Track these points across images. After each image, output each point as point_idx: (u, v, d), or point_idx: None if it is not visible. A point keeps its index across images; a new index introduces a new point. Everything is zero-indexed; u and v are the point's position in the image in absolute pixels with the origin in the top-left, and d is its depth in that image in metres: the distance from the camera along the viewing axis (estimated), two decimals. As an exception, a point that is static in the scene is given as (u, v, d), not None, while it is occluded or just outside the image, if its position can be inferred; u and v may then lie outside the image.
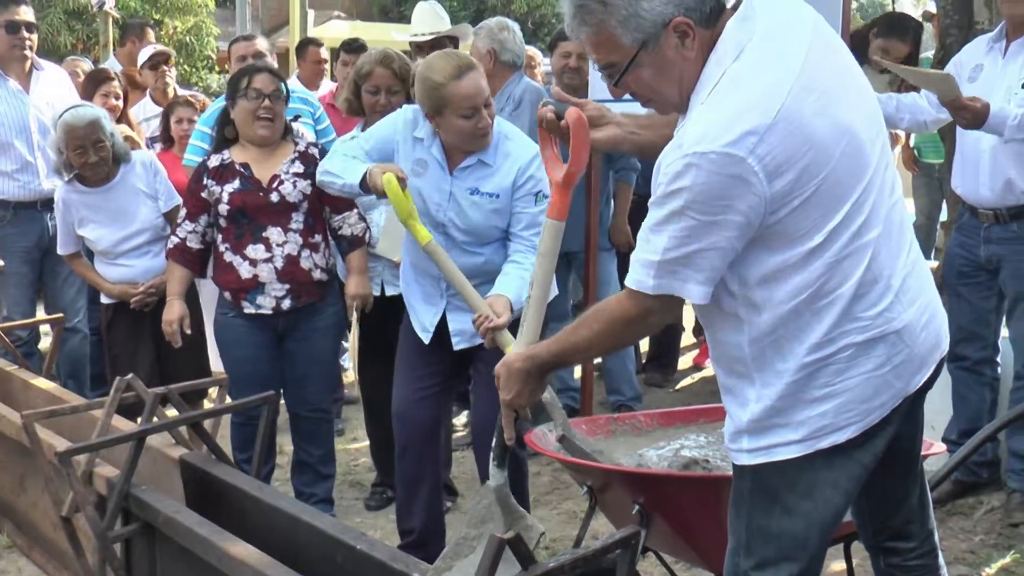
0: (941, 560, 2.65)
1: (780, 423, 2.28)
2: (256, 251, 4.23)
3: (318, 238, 4.32)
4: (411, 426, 3.94)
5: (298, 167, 4.29)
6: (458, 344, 3.89)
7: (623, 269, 5.68)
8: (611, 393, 5.81)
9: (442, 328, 3.90)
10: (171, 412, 3.75)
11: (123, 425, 3.68)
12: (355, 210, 4.35)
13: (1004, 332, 4.56)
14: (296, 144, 4.39)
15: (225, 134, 4.36)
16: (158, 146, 6.02)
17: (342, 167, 3.75)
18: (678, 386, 6.58)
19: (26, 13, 5.69)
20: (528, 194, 3.76)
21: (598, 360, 5.80)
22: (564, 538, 4.23)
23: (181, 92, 6.70)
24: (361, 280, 4.34)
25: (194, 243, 4.32)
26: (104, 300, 4.94)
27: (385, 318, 4.45)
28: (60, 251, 5.04)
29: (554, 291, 3.85)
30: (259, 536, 2.93)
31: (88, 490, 3.33)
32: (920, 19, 6.88)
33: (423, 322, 3.91)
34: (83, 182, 4.84)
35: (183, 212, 4.39)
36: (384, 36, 12.50)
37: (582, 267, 5.49)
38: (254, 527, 3.08)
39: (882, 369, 2.25)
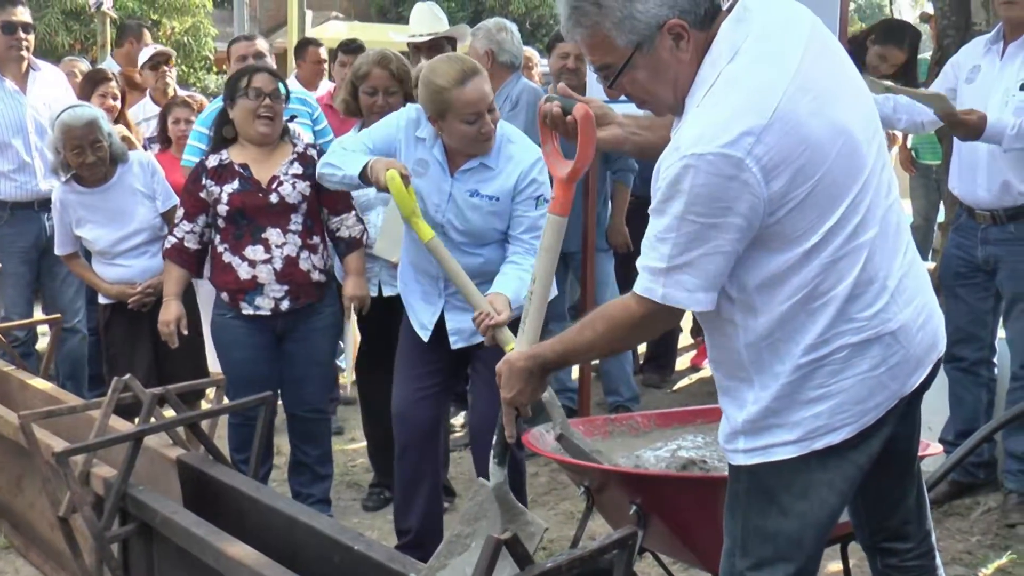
0: (938, 561, 2.65)
1: (776, 424, 2.29)
2: (255, 252, 4.22)
3: (316, 239, 4.32)
4: (411, 426, 3.94)
5: (297, 168, 4.29)
6: (456, 343, 3.89)
7: (620, 270, 5.73)
8: (609, 394, 5.81)
9: (441, 327, 3.90)
10: (169, 412, 3.75)
11: (120, 425, 3.68)
12: (353, 212, 4.35)
13: (1001, 333, 4.57)
14: (294, 145, 4.40)
15: (224, 134, 4.35)
16: (156, 147, 6.03)
17: (342, 159, 3.75)
18: (676, 387, 6.58)
19: (23, 14, 5.70)
20: (529, 198, 3.75)
21: (596, 361, 5.81)
22: (561, 538, 4.24)
23: (181, 92, 6.70)
24: (359, 282, 4.35)
25: (192, 243, 4.32)
26: (102, 300, 4.94)
27: (383, 319, 4.45)
28: (58, 252, 5.04)
29: (553, 291, 3.86)
30: (256, 536, 2.93)
31: (85, 490, 3.33)
32: (918, 20, 6.90)
33: (422, 320, 3.91)
34: (80, 182, 4.84)
35: (180, 212, 4.38)
36: (382, 37, 12.52)
37: (579, 268, 5.50)
38: (251, 527, 3.08)
39: (877, 370, 2.26)
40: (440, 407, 4.06)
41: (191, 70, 18.15)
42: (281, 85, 4.35)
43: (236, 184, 4.23)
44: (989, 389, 4.54)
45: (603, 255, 5.68)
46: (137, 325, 4.80)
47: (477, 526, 2.85)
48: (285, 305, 4.25)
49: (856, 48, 5.59)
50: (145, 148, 6.00)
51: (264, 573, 2.65)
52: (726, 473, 2.45)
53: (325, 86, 7.22)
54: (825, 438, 2.27)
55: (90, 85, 6.07)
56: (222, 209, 4.23)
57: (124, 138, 5.32)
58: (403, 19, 16.56)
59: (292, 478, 4.54)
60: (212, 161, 4.31)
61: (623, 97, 2.36)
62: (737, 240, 2.14)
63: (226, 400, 3.96)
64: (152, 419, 3.46)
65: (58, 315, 5.28)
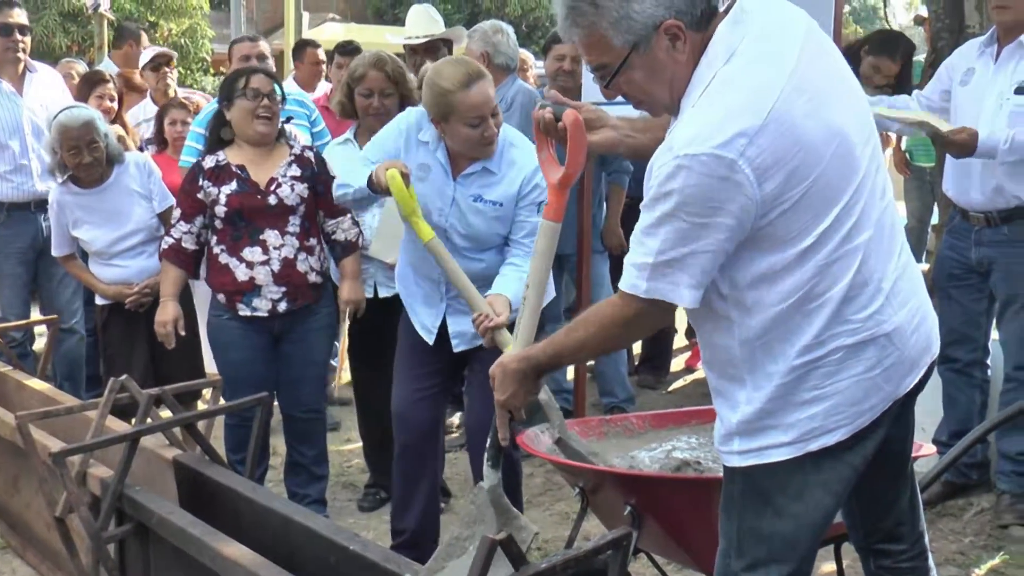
0: (931, 562, 2.66)
1: (770, 425, 2.29)
2: (253, 254, 4.22)
3: (313, 241, 4.32)
4: (411, 426, 3.95)
5: (295, 170, 4.29)
6: (458, 346, 3.89)
7: (616, 271, 5.67)
8: (604, 395, 5.82)
9: (442, 329, 3.90)
10: (165, 413, 3.76)
11: (117, 426, 3.68)
12: (349, 215, 4.35)
13: (994, 334, 4.58)
14: (291, 147, 4.40)
15: (222, 136, 4.35)
16: (152, 148, 6.03)
17: (351, 177, 3.75)
18: (670, 388, 6.60)
19: (19, 15, 5.73)
20: (532, 203, 3.75)
21: (591, 362, 5.82)
22: (556, 539, 4.24)
23: (182, 93, 6.71)
24: (355, 286, 4.36)
25: (189, 244, 4.31)
26: (99, 301, 4.95)
27: (378, 320, 4.45)
28: (55, 253, 5.05)
29: (551, 293, 3.87)
30: (252, 537, 2.94)
31: (82, 491, 3.34)
32: (912, 22, 6.92)
33: (425, 323, 3.91)
34: (77, 183, 4.85)
35: (177, 213, 4.37)
36: (378, 39, 12.50)
37: (575, 269, 5.51)
38: (247, 528, 3.09)
39: (872, 372, 2.26)
40: (439, 408, 4.06)
41: (188, 72, 18.13)
42: (277, 86, 4.36)
43: (234, 185, 4.23)
44: (982, 390, 4.56)
45: (598, 257, 5.69)
46: (134, 326, 4.81)
47: (476, 529, 2.86)
48: (282, 307, 4.26)
49: (850, 59, 5.60)
50: (142, 149, 6.01)
51: (260, 573, 2.65)
52: (720, 474, 2.46)
53: (323, 87, 7.23)
54: (820, 440, 2.27)
55: (87, 86, 6.09)
56: (220, 210, 4.23)
57: (119, 138, 5.34)
58: (399, 21, 16.54)
59: (288, 478, 4.55)
60: (209, 162, 4.31)
61: (619, 98, 2.37)
62: (727, 240, 2.15)
63: (222, 401, 3.96)
64: (149, 420, 3.47)
65: (55, 316, 5.29)
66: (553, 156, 2.74)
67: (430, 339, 3.90)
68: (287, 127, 4.59)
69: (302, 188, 4.27)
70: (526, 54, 7.12)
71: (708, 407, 2.86)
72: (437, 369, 3.96)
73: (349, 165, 3.86)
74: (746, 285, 2.23)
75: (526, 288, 2.78)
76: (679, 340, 7.09)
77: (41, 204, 5.46)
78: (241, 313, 4.25)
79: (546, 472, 5.00)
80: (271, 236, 4.23)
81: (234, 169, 4.26)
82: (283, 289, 4.24)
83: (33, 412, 3.68)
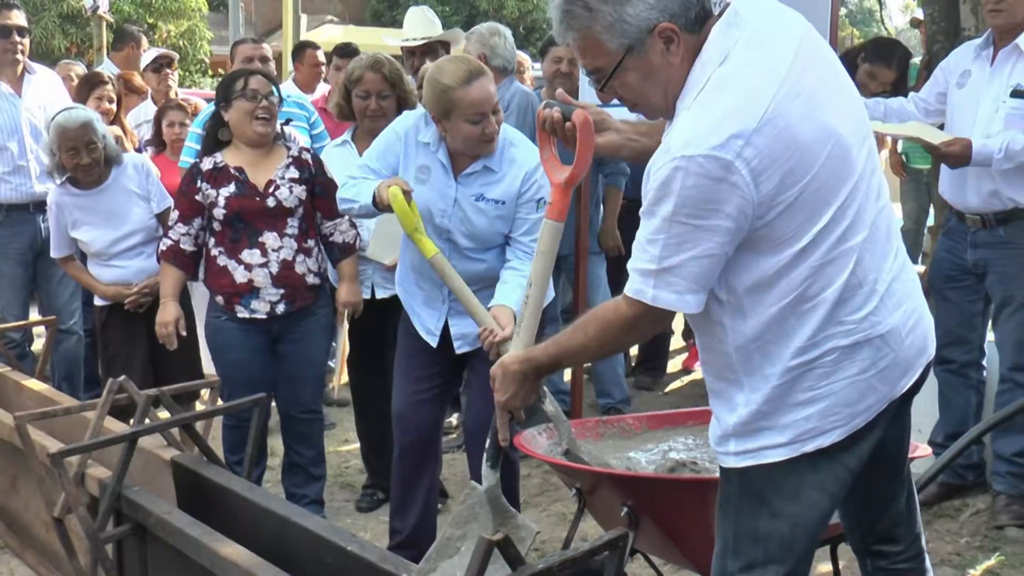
0: (928, 563, 2.67)
1: (766, 426, 2.30)
2: (251, 256, 4.23)
3: (311, 242, 4.33)
4: (411, 427, 3.95)
5: (293, 172, 4.30)
6: (460, 348, 3.89)
7: (612, 273, 5.75)
8: (600, 396, 5.83)
9: (443, 331, 3.90)
10: (163, 414, 3.76)
11: (115, 427, 3.68)
12: (346, 217, 4.35)
13: (990, 336, 4.59)
14: (289, 149, 4.40)
15: (220, 137, 4.35)
16: (150, 149, 6.03)
17: (355, 191, 3.76)
18: (667, 389, 6.60)
19: (18, 17, 5.73)
20: (531, 200, 3.76)
21: (588, 363, 5.82)
22: (553, 540, 4.25)
23: (183, 95, 6.72)
24: (352, 288, 4.37)
25: (188, 245, 4.31)
26: (98, 302, 4.95)
27: (376, 321, 4.46)
28: (54, 254, 5.05)
29: (549, 294, 3.87)
30: (250, 537, 2.94)
31: (80, 491, 3.34)
32: (908, 25, 6.92)
33: (427, 326, 3.91)
34: (76, 184, 4.86)
35: (175, 214, 4.37)
36: (376, 40, 12.52)
37: (572, 271, 5.51)
38: (245, 528, 3.09)
39: (867, 373, 2.27)
40: (440, 409, 4.06)
41: (187, 73, 18.15)
42: (274, 88, 4.37)
43: (232, 188, 4.24)
44: (978, 391, 4.57)
45: (595, 258, 5.70)
46: (133, 327, 4.82)
47: (468, 529, 2.86)
48: (281, 308, 4.26)
49: (846, 65, 5.61)
50: (140, 151, 6.01)
51: (257, 573, 2.66)
52: (716, 475, 2.46)
53: (322, 89, 7.24)
54: (815, 440, 2.28)
55: (86, 88, 6.09)
56: (218, 212, 4.23)
57: (117, 139, 5.34)
58: (397, 23, 16.53)
59: (286, 479, 4.55)
60: (207, 164, 4.30)
61: (614, 101, 2.38)
62: (726, 243, 2.15)
63: (220, 402, 3.97)
64: (147, 420, 3.47)
65: (53, 317, 5.29)
66: (556, 156, 2.74)
67: (433, 341, 3.90)
68: (285, 129, 4.59)
69: (300, 190, 4.27)
70: (523, 56, 7.12)
71: (704, 408, 2.86)
72: (437, 371, 3.97)
73: (348, 170, 3.86)
74: (744, 291, 2.24)
75: (528, 287, 2.78)
76: (676, 341, 7.10)
77: (40, 205, 5.47)
78: (239, 315, 4.26)
79: (543, 473, 5.01)
80: (270, 238, 4.24)
81: (232, 171, 4.26)
82: (281, 291, 4.25)
83: (31, 413, 3.67)
